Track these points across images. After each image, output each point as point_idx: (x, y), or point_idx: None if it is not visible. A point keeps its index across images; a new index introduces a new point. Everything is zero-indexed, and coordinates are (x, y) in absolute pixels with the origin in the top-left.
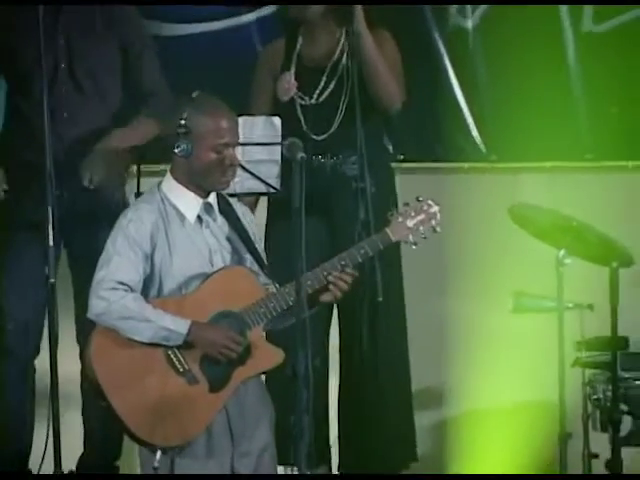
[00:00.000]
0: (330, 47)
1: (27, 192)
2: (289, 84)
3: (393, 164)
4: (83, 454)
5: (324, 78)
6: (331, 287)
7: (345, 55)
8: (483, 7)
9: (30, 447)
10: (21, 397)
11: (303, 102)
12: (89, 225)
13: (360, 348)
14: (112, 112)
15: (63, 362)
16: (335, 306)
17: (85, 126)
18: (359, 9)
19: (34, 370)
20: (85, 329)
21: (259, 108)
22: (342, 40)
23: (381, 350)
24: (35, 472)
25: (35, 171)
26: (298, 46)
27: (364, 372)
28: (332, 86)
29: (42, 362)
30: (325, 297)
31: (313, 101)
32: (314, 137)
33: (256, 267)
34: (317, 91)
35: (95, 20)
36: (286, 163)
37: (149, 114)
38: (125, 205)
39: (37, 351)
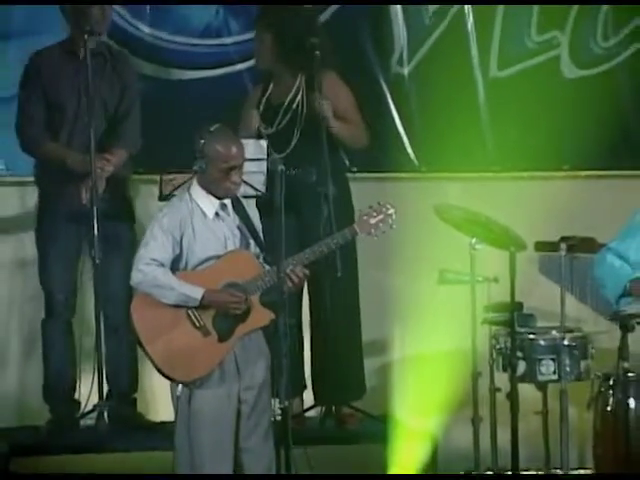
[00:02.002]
0: (289, 88)
1: (66, 195)
2: (254, 119)
3: (349, 174)
4: (110, 389)
5: (282, 112)
6: (286, 279)
7: (300, 94)
8: (417, 57)
9: (75, 383)
10: (65, 345)
11: (266, 131)
12: (106, 221)
13: (324, 311)
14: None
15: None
16: (306, 280)
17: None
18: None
19: (72, 326)
20: (107, 296)
21: (243, 135)
22: (298, 83)
23: (339, 312)
24: (83, 403)
25: (71, 178)
26: (269, 89)
27: (328, 328)
28: (287, 118)
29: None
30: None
31: (274, 129)
32: (275, 154)
33: (257, 250)
34: (277, 122)
35: (106, 67)
36: (269, 174)
37: (122, 142)
38: (130, 207)
39: (74, 312)
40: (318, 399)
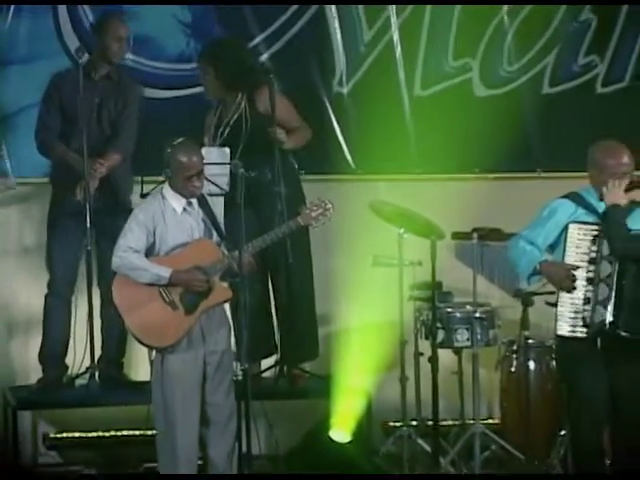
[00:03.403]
0: (233, 107)
1: (68, 192)
2: (209, 132)
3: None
4: (102, 354)
5: (225, 126)
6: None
7: (242, 110)
8: (354, 79)
9: (67, 349)
10: (61, 318)
11: (213, 143)
12: (106, 215)
13: (284, 289)
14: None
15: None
16: (270, 261)
17: (98, 150)
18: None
19: (70, 303)
20: (105, 277)
21: (206, 142)
22: (238, 102)
23: (297, 290)
24: (77, 366)
25: (75, 177)
26: (219, 109)
27: (290, 299)
28: (231, 131)
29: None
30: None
31: (220, 140)
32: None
33: (219, 239)
34: (223, 133)
35: (114, 89)
36: (232, 175)
37: (116, 148)
38: (125, 205)
39: (72, 291)
40: (282, 360)
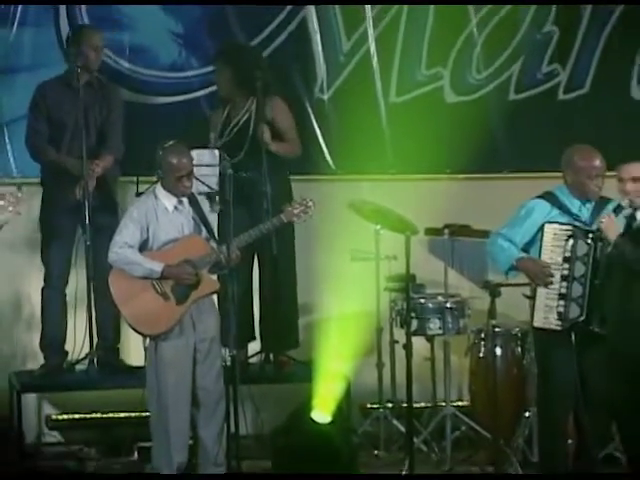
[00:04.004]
0: (242, 109)
1: (65, 191)
2: (216, 130)
3: None
4: (99, 341)
5: (233, 127)
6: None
7: (250, 114)
8: (334, 87)
9: (65, 337)
10: (58, 308)
11: (218, 142)
12: (99, 212)
13: (268, 281)
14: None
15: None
16: (256, 255)
17: (88, 152)
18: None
19: (65, 294)
20: (99, 270)
21: (212, 139)
22: (248, 106)
23: (281, 282)
24: (77, 352)
25: (69, 178)
26: (227, 109)
27: (272, 291)
28: (238, 132)
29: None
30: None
31: (224, 140)
32: (229, 159)
33: (207, 235)
34: (226, 134)
35: (97, 95)
36: (221, 176)
37: (108, 150)
38: (114, 203)
39: (67, 283)
40: (266, 347)
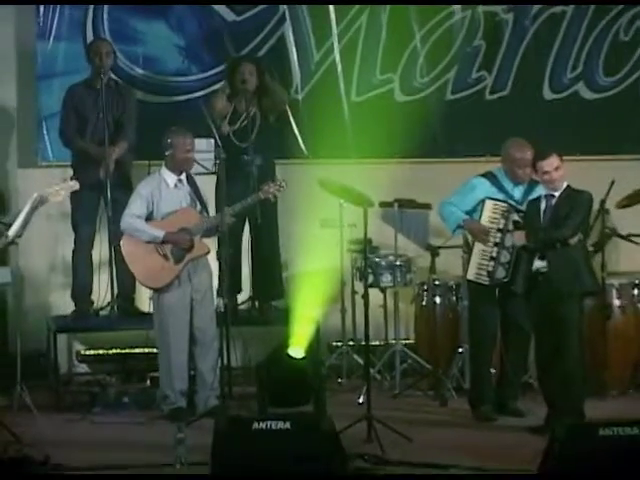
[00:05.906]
0: (249, 100)
1: (90, 172)
2: (224, 118)
3: None
4: (118, 292)
5: (245, 116)
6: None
7: (255, 104)
8: (307, 88)
9: (91, 290)
10: (85, 267)
11: (231, 128)
12: (120, 190)
13: (255, 239)
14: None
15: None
16: (247, 222)
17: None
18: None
19: (91, 255)
20: (116, 236)
21: (223, 127)
22: (254, 96)
23: (267, 242)
24: (101, 301)
25: (93, 161)
26: (234, 101)
27: (259, 251)
28: (247, 120)
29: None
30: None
31: (237, 126)
32: (238, 144)
33: (200, 207)
34: (240, 123)
35: (114, 94)
36: (215, 160)
37: (123, 139)
38: (129, 181)
39: (92, 246)
40: (256, 297)
